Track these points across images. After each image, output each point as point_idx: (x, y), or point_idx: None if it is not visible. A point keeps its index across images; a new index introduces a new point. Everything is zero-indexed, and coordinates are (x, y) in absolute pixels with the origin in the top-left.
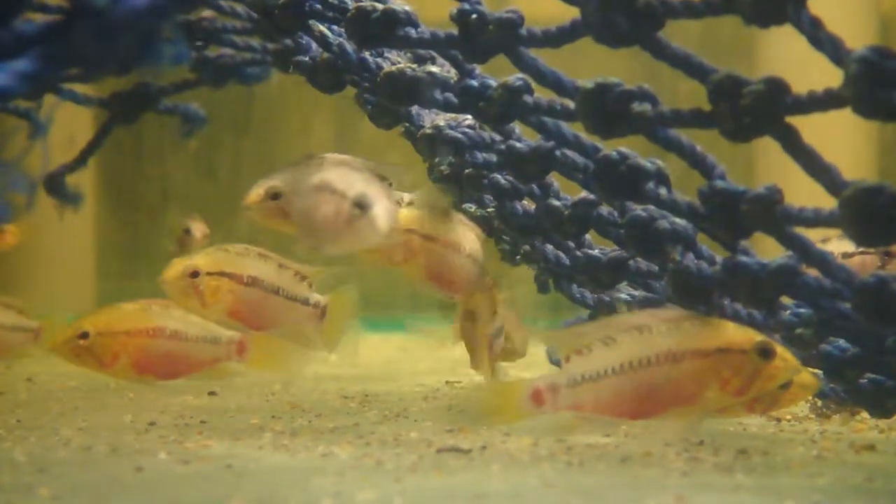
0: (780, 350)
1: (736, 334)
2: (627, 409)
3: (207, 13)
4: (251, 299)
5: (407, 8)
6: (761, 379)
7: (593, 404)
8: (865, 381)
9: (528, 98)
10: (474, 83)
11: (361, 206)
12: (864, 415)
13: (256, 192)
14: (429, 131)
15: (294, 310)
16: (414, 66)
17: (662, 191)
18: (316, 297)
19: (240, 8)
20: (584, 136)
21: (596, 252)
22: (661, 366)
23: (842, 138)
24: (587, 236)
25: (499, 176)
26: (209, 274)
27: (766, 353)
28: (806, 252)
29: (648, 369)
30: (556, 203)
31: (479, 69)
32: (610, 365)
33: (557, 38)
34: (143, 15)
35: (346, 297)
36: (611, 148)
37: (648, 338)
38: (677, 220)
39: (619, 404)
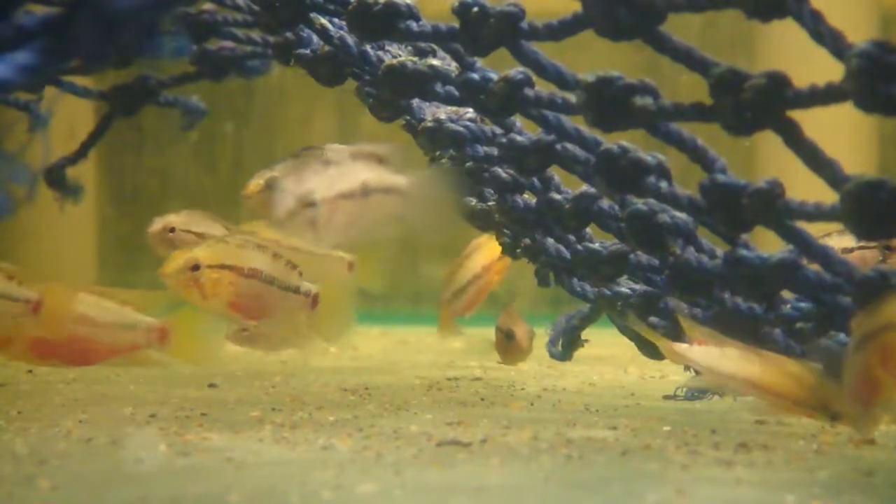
0: None
1: None
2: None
3: (208, 6)
4: (250, 291)
5: (408, 1)
6: None
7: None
8: None
9: (528, 91)
10: (475, 76)
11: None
12: None
13: (256, 182)
14: (430, 124)
15: (287, 299)
16: (415, 59)
17: (663, 184)
18: (307, 285)
19: (240, 0)
20: (585, 130)
21: (597, 246)
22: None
23: (842, 132)
24: (588, 230)
25: (499, 169)
26: (210, 266)
27: None
28: (807, 246)
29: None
30: (557, 196)
31: (480, 62)
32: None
33: (559, 31)
34: (144, 8)
35: (338, 286)
36: (612, 141)
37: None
38: (678, 213)
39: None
